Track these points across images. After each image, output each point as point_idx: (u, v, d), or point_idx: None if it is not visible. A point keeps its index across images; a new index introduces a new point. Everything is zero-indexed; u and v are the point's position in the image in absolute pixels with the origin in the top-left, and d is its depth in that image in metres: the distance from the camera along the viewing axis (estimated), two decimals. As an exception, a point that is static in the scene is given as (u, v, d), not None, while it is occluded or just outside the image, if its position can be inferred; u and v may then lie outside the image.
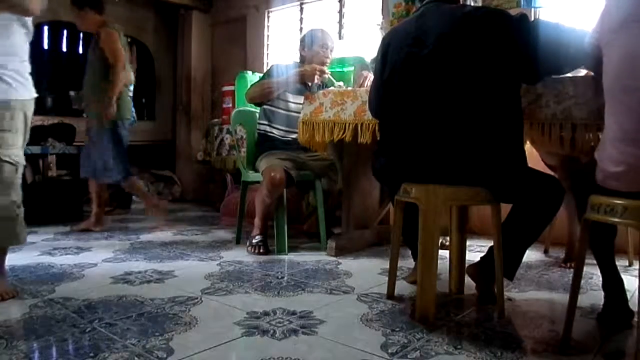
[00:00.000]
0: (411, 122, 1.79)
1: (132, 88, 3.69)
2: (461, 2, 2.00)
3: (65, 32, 5.78)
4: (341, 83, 3.02)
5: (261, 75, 3.65)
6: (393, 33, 1.97)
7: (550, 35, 1.66)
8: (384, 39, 2.00)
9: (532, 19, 1.90)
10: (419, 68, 1.76)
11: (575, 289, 1.54)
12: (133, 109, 3.64)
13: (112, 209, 4.36)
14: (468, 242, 2.19)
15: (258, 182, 2.93)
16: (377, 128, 2.13)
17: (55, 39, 5.78)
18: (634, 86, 1.40)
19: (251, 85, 3.04)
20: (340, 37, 4.40)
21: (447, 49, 1.71)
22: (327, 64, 3.02)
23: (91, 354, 1.44)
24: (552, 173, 2.11)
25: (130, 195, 4.65)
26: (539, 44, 1.65)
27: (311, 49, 3.00)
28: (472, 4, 2.45)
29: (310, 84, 2.93)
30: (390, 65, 1.87)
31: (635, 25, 1.41)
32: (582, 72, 1.91)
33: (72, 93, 4.40)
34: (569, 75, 1.90)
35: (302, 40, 3.08)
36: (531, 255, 2.73)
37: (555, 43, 1.66)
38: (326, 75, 2.87)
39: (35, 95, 2.03)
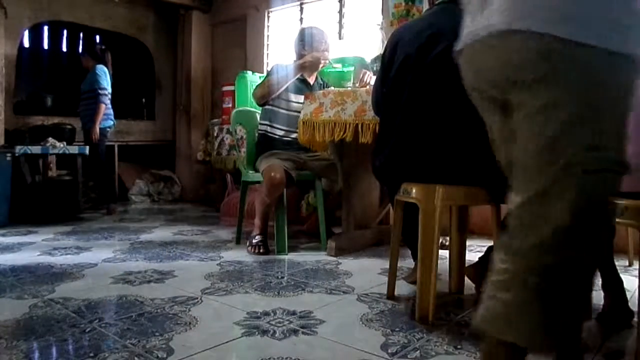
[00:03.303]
0: (415, 119, 1.79)
1: None
2: None
3: (65, 32, 5.78)
4: (339, 65, 3.12)
5: (262, 75, 3.65)
6: (403, 30, 1.94)
7: None
8: (392, 36, 1.97)
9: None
10: (430, 66, 1.75)
11: (575, 289, 1.54)
12: None
13: (106, 211, 4.35)
14: (468, 242, 2.19)
15: (258, 182, 2.93)
16: (377, 128, 2.12)
17: (55, 39, 5.78)
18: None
19: (256, 87, 3.04)
20: (340, 37, 4.40)
21: None
22: (326, 63, 3.03)
23: (91, 354, 1.44)
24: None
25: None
26: None
27: (311, 47, 2.99)
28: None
29: (311, 83, 2.97)
30: (399, 62, 1.85)
31: None
32: None
33: None
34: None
35: (302, 40, 3.07)
36: (531, 255, 2.72)
37: None
38: (327, 60, 2.98)
39: None
